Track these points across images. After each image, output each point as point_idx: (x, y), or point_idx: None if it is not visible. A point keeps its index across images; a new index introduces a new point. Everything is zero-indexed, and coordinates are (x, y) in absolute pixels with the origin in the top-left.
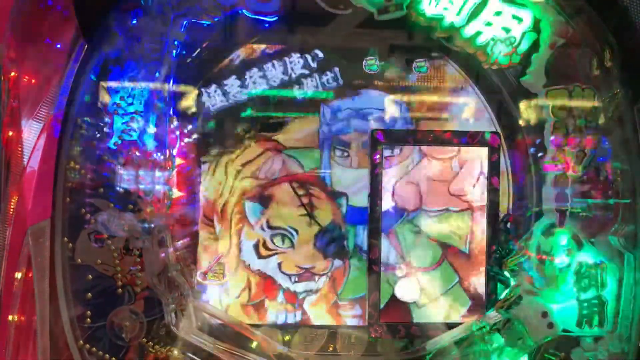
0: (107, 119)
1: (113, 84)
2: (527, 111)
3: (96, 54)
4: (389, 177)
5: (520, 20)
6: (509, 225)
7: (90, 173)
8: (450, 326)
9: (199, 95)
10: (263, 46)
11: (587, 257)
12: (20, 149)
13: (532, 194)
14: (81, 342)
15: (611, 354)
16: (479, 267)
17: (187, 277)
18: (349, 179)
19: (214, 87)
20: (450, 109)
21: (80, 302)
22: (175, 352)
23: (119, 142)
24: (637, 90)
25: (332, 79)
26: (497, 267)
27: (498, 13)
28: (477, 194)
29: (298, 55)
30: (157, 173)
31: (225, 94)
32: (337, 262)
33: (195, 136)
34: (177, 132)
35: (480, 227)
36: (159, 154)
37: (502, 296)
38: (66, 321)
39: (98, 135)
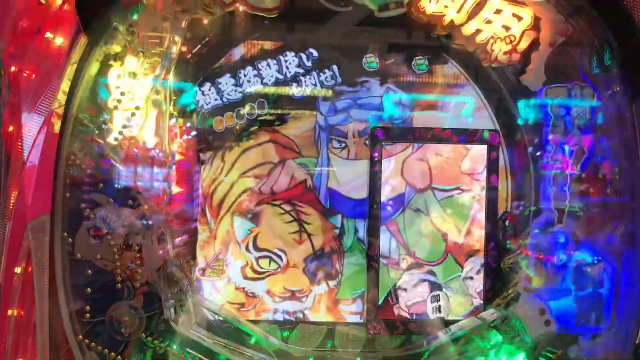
0: (106, 115)
1: (113, 80)
2: (526, 109)
3: (96, 49)
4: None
5: (520, 18)
6: (507, 223)
7: (90, 168)
8: (448, 323)
9: (197, 91)
10: (263, 43)
11: (584, 255)
12: (20, 143)
13: (531, 192)
14: (80, 336)
15: (608, 351)
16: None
17: (186, 273)
18: (348, 173)
19: (208, 85)
20: (449, 106)
21: (80, 297)
22: (174, 347)
23: (119, 137)
24: (636, 89)
25: (330, 77)
26: (495, 264)
27: (498, 11)
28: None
29: (293, 54)
30: (156, 169)
31: (219, 92)
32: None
33: (194, 132)
34: (177, 129)
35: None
36: (158, 150)
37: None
38: (65, 316)
39: (97, 131)
